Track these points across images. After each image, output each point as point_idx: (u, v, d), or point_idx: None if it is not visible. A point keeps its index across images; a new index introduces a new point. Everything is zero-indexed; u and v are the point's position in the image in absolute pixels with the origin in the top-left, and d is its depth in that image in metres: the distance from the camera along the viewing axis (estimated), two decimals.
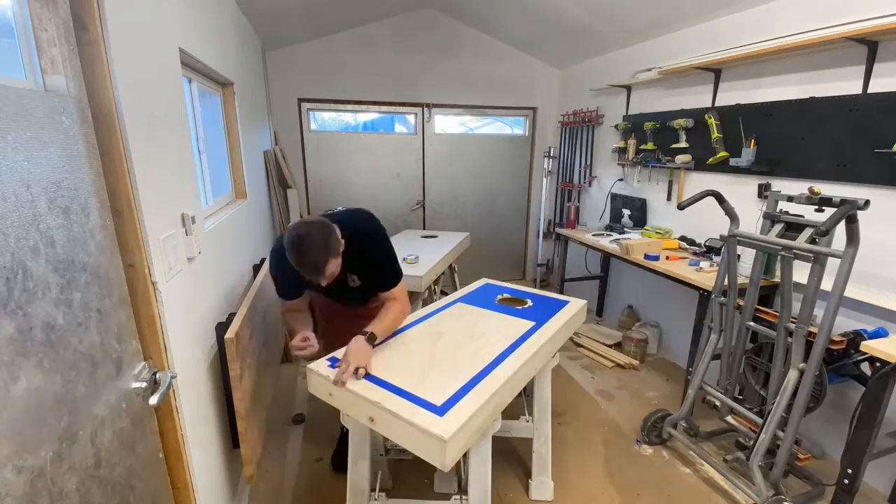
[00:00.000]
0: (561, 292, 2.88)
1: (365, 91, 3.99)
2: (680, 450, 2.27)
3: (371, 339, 1.47)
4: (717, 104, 2.69)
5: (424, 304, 2.52)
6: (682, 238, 2.95)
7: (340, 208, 1.81)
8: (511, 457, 2.21)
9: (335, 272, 1.46)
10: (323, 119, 4.17)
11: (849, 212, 1.49)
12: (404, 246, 3.03)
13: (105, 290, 0.87)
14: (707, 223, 2.78)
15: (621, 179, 3.62)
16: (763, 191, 2.41)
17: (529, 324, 1.77)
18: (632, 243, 2.79)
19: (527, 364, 1.49)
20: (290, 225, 1.61)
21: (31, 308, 0.66)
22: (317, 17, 3.30)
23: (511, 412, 2.25)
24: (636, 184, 3.40)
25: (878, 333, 1.76)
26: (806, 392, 1.70)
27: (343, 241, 1.50)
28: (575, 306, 1.98)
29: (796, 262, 1.76)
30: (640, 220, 3.37)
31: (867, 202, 1.48)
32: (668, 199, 3.14)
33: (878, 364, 1.58)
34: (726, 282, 2.02)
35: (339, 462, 2.03)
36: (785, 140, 2.29)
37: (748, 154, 2.41)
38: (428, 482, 2.02)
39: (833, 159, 2.08)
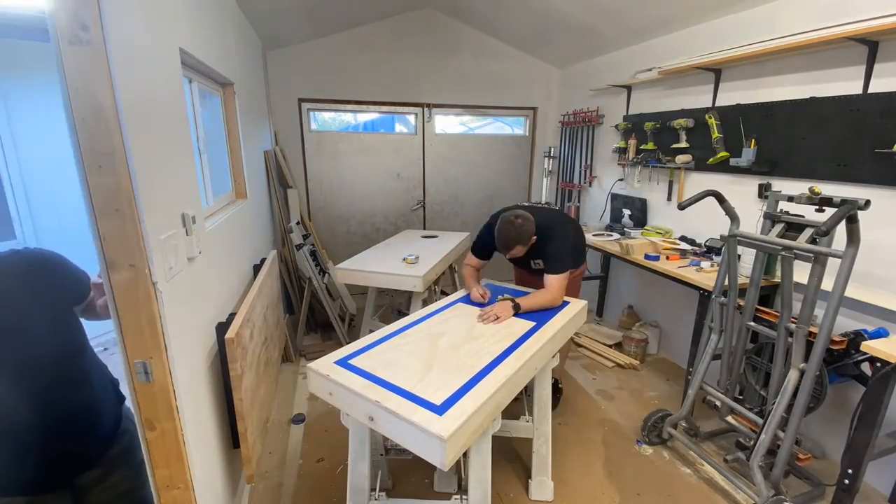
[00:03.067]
0: None
1: (365, 91, 3.99)
2: (680, 450, 2.27)
3: (516, 307, 1.91)
4: (717, 104, 2.69)
5: (424, 304, 2.52)
6: (683, 238, 2.95)
7: (546, 204, 2.29)
8: (511, 457, 2.21)
9: (518, 255, 2.08)
10: (323, 119, 4.17)
11: (849, 212, 1.49)
12: (404, 246, 3.03)
13: None
14: (707, 223, 2.78)
15: (621, 179, 3.62)
16: (763, 191, 2.41)
17: (529, 324, 1.78)
18: (632, 243, 2.79)
19: (527, 364, 1.49)
20: (509, 209, 2.17)
21: None
22: (317, 17, 3.30)
23: (511, 412, 2.25)
24: (636, 184, 3.39)
25: (879, 333, 1.75)
26: (806, 392, 1.70)
27: (535, 237, 2.04)
28: (575, 307, 1.98)
29: (797, 262, 1.76)
30: (640, 220, 3.37)
31: (867, 202, 1.48)
32: (669, 199, 3.14)
33: (878, 364, 1.59)
34: (726, 282, 2.02)
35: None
36: (785, 140, 2.28)
37: (748, 154, 2.41)
38: (428, 482, 2.02)
39: (833, 159, 2.08)
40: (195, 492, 1.22)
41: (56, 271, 1.06)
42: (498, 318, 1.82)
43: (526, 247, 2.05)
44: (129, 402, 1.12)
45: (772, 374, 1.90)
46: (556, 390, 2.64)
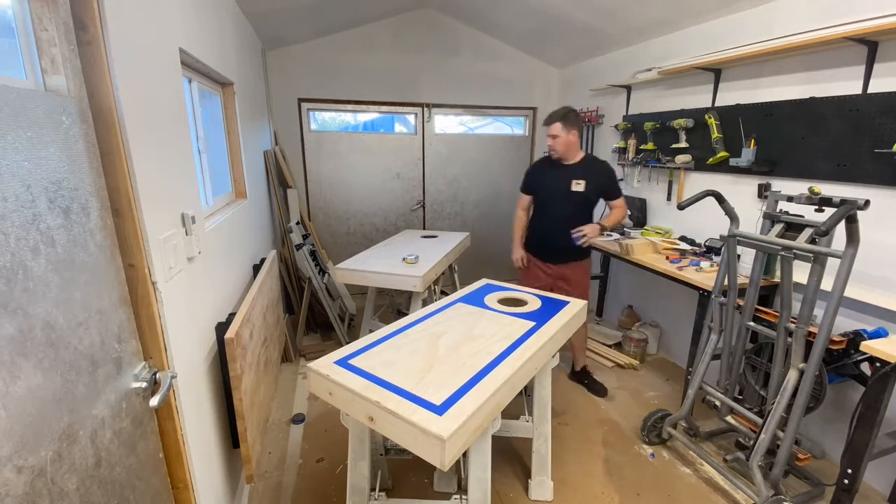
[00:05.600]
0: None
1: (365, 91, 3.99)
2: (680, 450, 2.27)
3: (602, 227, 2.51)
4: (717, 104, 2.69)
5: (424, 304, 2.52)
6: (682, 238, 2.95)
7: None
8: (511, 457, 2.21)
9: (558, 136, 2.48)
10: (323, 119, 4.17)
11: (849, 212, 1.49)
12: (404, 246, 3.03)
13: (105, 289, 0.87)
14: (707, 223, 2.78)
15: (621, 179, 3.59)
16: (763, 191, 2.41)
17: (529, 324, 1.77)
18: (632, 243, 2.79)
19: (527, 364, 1.49)
20: None
21: (31, 308, 0.66)
22: (317, 17, 3.30)
23: (511, 412, 2.25)
24: (636, 184, 3.40)
25: (878, 333, 1.76)
26: (806, 392, 1.70)
27: (578, 139, 2.55)
28: (575, 306, 1.98)
29: (796, 262, 1.76)
30: (640, 220, 3.37)
31: (867, 202, 1.48)
32: (668, 199, 3.14)
33: (877, 364, 1.59)
34: (726, 282, 2.02)
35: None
36: (785, 140, 2.29)
37: (748, 154, 2.41)
38: (428, 482, 2.02)
39: (833, 159, 2.08)
40: (195, 492, 1.23)
41: None
42: (587, 236, 2.42)
43: (567, 132, 2.44)
44: None
45: (771, 374, 1.90)
46: (593, 382, 2.82)
